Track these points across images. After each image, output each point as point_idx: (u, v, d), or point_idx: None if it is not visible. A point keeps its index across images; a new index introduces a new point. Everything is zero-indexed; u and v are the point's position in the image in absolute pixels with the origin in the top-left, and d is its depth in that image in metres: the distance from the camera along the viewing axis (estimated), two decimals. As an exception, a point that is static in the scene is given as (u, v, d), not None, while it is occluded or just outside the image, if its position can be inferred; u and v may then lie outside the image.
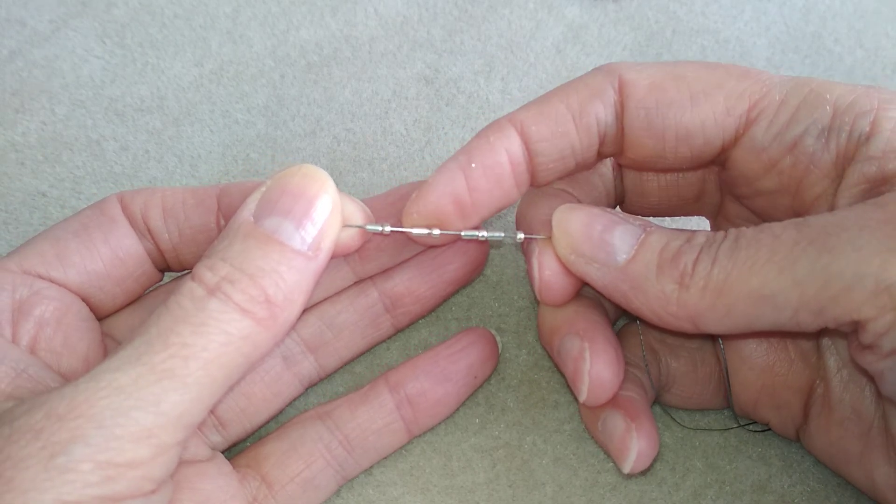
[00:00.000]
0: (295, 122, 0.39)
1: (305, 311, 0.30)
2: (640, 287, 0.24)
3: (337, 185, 0.38)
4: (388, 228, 0.27)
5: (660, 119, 0.26)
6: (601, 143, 0.27)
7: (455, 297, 0.34)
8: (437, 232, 0.27)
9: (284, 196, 0.24)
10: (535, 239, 0.27)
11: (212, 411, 0.29)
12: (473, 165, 0.26)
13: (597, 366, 0.26)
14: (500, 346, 0.33)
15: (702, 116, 0.25)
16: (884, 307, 0.21)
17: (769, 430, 0.31)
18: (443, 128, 0.39)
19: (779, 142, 0.25)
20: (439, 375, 0.30)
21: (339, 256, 0.27)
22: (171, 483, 0.23)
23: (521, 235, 0.28)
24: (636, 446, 0.27)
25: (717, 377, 0.31)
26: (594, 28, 0.39)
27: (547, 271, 0.27)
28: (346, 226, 0.26)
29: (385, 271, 0.31)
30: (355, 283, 0.31)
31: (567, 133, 0.26)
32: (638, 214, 0.31)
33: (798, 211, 0.26)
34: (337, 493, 0.30)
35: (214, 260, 0.23)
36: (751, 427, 0.32)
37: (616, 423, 0.28)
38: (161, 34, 0.41)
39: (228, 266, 0.23)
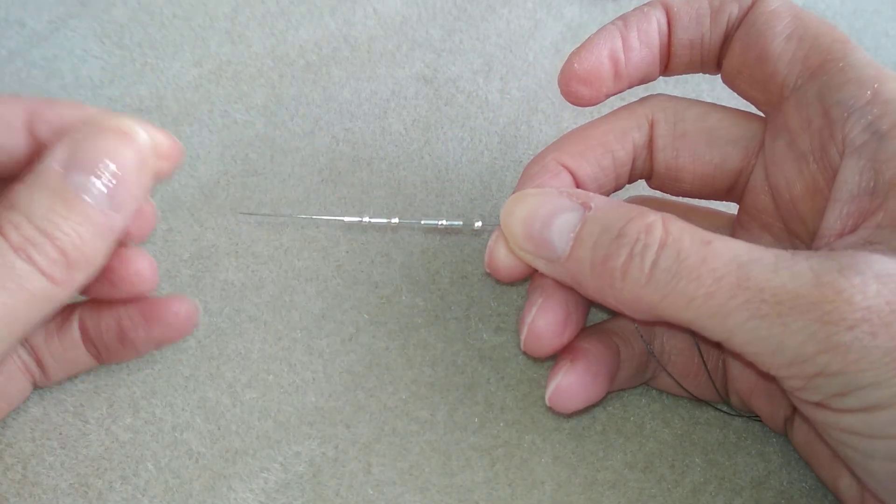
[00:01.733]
0: (294, 122, 0.39)
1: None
2: (580, 282, 0.26)
3: (336, 184, 0.38)
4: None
5: (755, 36, 0.28)
6: (723, 39, 0.29)
7: (455, 297, 0.34)
8: (395, 220, 0.29)
9: (95, 151, 0.24)
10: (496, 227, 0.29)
11: None
12: (629, 27, 0.29)
13: (537, 320, 0.28)
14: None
15: (783, 49, 0.27)
16: (795, 375, 0.22)
17: (759, 419, 0.31)
18: (442, 127, 0.39)
19: (818, 102, 0.26)
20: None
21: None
22: None
23: (478, 224, 0.29)
24: (560, 378, 0.28)
25: (714, 356, 0.31)
26: (593, 28, 0.39)
27: (497, 261, 0.28)
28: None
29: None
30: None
31: (703, 21, 0.29)
32: (668, 193, 0.32)
33: (821, 188, 0.27)
34: (336, 492, 0.30)
35: (20, 218, 0.24)
36: (743, 415, 0.32)
37: (557, 362, 0.29)
38: (160, 34, 0.41)
39: (33, 229, 0.24)
